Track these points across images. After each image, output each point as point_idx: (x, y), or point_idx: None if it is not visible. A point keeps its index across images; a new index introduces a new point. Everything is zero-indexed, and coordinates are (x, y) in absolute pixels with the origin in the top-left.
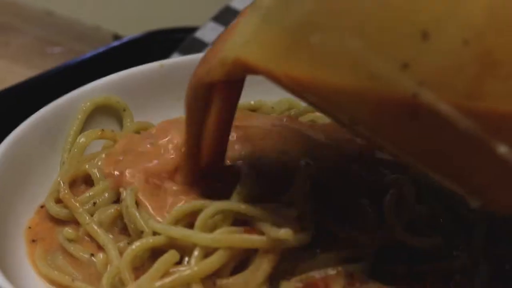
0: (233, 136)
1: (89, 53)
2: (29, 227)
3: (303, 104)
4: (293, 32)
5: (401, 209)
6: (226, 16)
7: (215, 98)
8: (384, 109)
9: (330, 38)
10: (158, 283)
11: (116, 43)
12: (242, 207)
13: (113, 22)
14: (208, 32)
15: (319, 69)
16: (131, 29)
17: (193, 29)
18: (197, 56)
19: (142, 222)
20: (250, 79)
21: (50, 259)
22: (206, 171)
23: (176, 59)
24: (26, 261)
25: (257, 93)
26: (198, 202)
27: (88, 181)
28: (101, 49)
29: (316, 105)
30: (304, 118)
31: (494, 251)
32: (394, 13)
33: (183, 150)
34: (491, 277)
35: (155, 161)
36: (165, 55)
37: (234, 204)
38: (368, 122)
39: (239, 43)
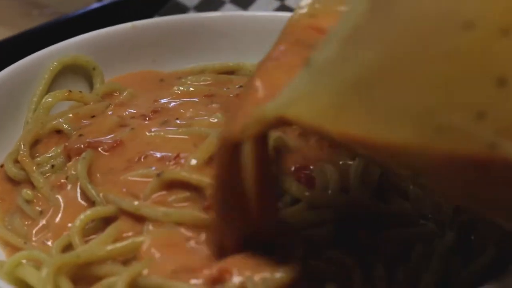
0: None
1: (67, 15)
2: None
3: None
4: (350, 89)
5: (368, 175)
6: None
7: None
8: (451, 162)
9: (392, 93)
10: (110, 247)
11: (96, 5)
12: (184, 174)
13: None
14: None
15: (377, 125)
16: None
17: None
18: (171, 18)
19: (93, 193)
20: (230, 39)
21: (7, 220)
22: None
23: (148, 20)
24: None
25: (236, 55)
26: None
27: (54, 139)
28: (80, 10)
29: (371, 158)
30: None
31: (457, 220)
32: (465, 61)
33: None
34: (455, 246)
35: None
36: (146, 18)
37: (183, 172)
38: (431, 175)
39: (284, 101)
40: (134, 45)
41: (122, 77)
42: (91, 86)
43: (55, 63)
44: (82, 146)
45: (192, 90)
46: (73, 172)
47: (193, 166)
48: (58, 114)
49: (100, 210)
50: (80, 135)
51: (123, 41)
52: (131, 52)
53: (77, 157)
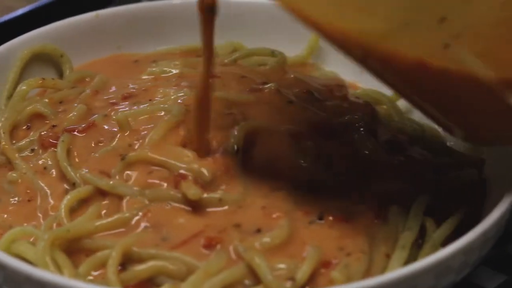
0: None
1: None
2: None
3: (246, 47)
4: None
5: None
6: None
7: None
8: (403, 59)
9: None
10: (98, 222)
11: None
12: (147, 155)
13: None
14: None
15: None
16: None
17: None
18: (133, 6)
19: (73, 174)
20: (191, 24)
21: None
22: None
23: (111, 9)
24: None
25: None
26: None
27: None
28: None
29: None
30: (247, 61)
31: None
32: None
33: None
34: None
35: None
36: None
37: (145, 153)
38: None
39: None
40: (98, 33)
41: (93, 62)
42: (60, 74)
43: (25, 51)
44: (57, 135)
45: (163, 74)
46: (50, 163)
47: (152, 144)
48: (32, 100)
49: (82, 191)
50: (54, 126)
51: (88, 30)
52: (96, 40)
53: (52, 148)
